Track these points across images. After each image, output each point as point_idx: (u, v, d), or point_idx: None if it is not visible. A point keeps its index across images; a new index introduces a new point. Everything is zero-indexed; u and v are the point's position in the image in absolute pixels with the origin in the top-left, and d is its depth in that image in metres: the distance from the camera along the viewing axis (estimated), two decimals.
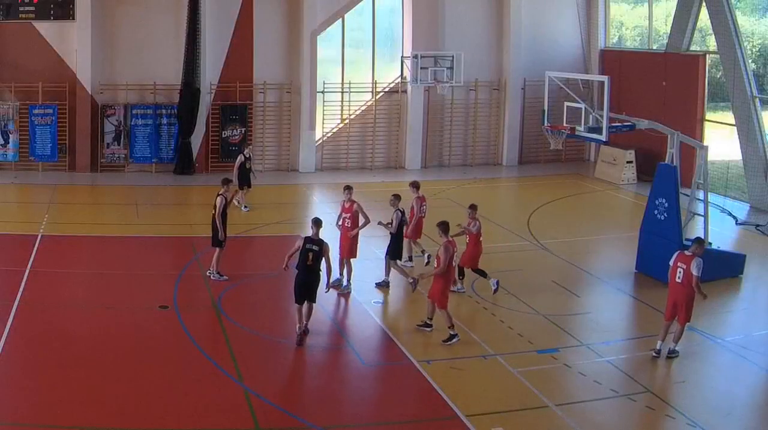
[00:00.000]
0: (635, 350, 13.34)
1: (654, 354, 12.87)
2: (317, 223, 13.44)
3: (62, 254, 17.80)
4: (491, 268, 16.96)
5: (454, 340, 13.17)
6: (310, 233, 13.30)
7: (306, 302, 13.17)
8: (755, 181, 23.40)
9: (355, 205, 15.90)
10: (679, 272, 12.72)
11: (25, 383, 11.44)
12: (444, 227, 13.60)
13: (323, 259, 13.03)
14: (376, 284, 15.97)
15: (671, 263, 12.92)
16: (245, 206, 21.72)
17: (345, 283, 15.70)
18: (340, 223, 16.12)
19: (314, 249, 12.99)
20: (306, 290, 13.13)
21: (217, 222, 15.90)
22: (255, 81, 27.19)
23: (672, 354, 12.87)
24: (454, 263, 13.61)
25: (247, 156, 21.90)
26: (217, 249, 16.14)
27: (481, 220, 15.93)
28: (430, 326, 13.65)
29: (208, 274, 16.18)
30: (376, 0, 28.34)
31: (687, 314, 12.76)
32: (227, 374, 11.93)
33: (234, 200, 18.56)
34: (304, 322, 13.22)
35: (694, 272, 12.51)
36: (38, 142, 25.85)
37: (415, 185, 17.16)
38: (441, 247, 13.24)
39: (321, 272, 13.16)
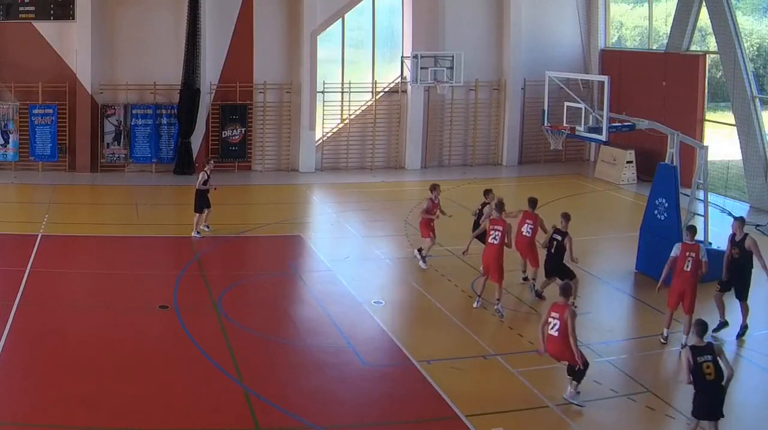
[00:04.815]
0: (635, 350, 13.35)
1: (662, 341, 13.31)
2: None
3: (62, 254, 17.80)
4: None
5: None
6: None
7: None
8: (755, 181, 23.40)
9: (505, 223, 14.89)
10: (688, 262, 13.09)
11: (25, 383, 11.43)
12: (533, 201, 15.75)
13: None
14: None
15: (676, 253, 13.22)
16: (207, 226, 19.32)
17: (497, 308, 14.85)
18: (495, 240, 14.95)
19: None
20: None
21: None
22: (255, 81, 27.19)
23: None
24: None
25: (209, 174, 19.25)
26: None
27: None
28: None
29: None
30: (376, 0, 28.35)
31: (693, 303, 13.06)
32: (227, 374, 11.93)
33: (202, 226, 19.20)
34: None
35: (705, 259, 13.10)
36: (38, 142, 25.85)
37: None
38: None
39: None
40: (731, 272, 13.64)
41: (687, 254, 13.17)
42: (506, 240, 14.72)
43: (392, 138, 28.65)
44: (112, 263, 17.09)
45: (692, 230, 13.61)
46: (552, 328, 11.26)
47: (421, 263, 17.08)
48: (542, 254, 15.37)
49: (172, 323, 13.89)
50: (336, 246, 19.24)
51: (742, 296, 13.62)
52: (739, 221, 13.85)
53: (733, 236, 13.74)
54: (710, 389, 9.68)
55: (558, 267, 14.72)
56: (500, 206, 15.20)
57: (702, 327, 9.98)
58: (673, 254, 13.28)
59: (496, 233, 14.70)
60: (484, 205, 16.52)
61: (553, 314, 11.32)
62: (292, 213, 22.24)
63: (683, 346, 12.72)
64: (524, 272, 16.23)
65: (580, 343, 12.45)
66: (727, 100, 24.39)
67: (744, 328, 13.68)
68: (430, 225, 17.03)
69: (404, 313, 15.17)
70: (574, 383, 11.37)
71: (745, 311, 13.66)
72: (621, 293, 16.20)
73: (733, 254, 13.59)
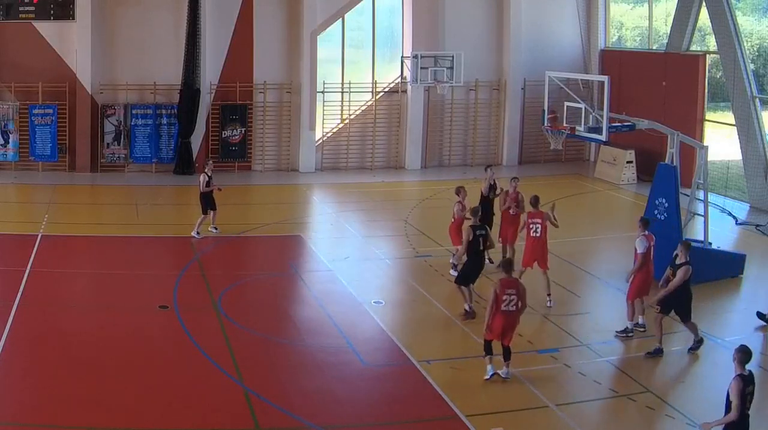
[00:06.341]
0: (635, 350, 13.33)
1: (642, 330, 13.75)
2: None
3: (62, 254, 17.79)
4: (492, 267, 16.98)
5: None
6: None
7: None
8: (755, 181, 23.40)
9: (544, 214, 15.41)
10: (651, 252, 14.01)
11: (25, 383, 11.43)
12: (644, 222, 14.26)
13: None
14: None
15: (646, 246, 13.79)
16: (215, 228, 19.25)
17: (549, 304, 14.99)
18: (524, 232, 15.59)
19: None
20: None
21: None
22: (255, 81, 27.19)
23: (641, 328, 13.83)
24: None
25: (210, 175, 19.10)
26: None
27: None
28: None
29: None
30: (376, 0, 28.35)
31: None
32: (227, 374, 11.93)
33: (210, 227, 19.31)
34: None
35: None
36: (38, 142, 25.84)
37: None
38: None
39: None
40: (670, 296, 12.91)
41: (651, 245, 13.82)
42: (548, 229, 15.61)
43: (392, 138, 28.64)
44: (112, 263, 17.09)
45: (646, 221, 14.22)
46: (510, 304, 11.69)
47: (453, 272, 16.40)
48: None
49: (172, 323, 13.89)
50: (336, 246, 19.24)
51: (684, 318, 13.01)
52: (683, 245, 13.15)
53: (674, 258, 13.12)
54: None
55: (480, 269, 14.61)
56: (536, 200, 15.65)
57: (746, 354, 9.07)
58: (642, 249, 13.71)
59: (536, 226, 15.23)
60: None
61: (509, 291, 11.68)
62: (292, 213, 22.24)
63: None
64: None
65: (579, 342, 12.51)
66: (727, 100, 24.39)
67: (698, 342, 13.10)
68: (460, 231, 16.55)
69: (404, 313, 15.15)
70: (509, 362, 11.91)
71: (692, 328, 13.09)
72: (621, 293, 16.11)
73: (669, 276, 13.01)
